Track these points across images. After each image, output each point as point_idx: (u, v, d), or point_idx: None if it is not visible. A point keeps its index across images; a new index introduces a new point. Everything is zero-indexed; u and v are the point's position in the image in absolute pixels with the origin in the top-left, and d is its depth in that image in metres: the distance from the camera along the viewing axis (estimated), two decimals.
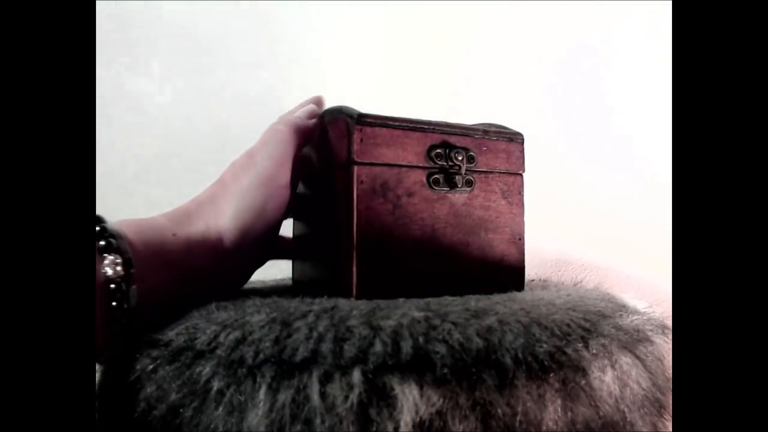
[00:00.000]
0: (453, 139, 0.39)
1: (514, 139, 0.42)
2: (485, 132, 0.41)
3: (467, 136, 0.40)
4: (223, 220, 0.37)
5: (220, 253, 0.36)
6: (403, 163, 0.38)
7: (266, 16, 0.83)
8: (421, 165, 0.38)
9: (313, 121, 0.41)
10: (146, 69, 0.77)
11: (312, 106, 0.42)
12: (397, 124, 0.37)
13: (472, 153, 0.40)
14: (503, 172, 0.42)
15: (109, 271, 0.30)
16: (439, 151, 0.39)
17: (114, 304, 0.30)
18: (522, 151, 0.42)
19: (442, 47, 0.92)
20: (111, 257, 0.30)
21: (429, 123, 0.39)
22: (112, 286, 0.30)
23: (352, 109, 0.37)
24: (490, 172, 0.41)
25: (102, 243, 0.31)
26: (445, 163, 0.39)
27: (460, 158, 0.39)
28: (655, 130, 0.98)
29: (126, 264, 0.31)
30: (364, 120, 0.36)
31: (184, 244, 0.35)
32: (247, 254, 0.38)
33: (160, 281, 0.33)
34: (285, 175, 0.38)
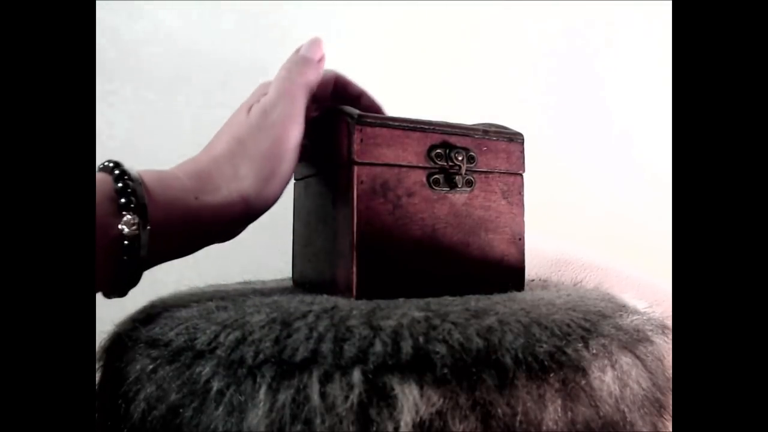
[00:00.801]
0: (453, 139, 0.39)
1: (514, 139, 0.42)
2: (485, 132, 0.41)
3: (467, 136, 0.40)
4: (245, 185, 0.36)
5: (240, 218, 0.37)
6: (404, 164, 0.38)
7: (266, 16, 0.83)
8: (421, 165, 0.38)
9: (322, 59, 0.40)
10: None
11: (317, 39, 0.41)
12: (397, 124, 0.37)
13: (472, 153, 0.40)
14: (503, 172, 0.42)
15: (125, 229, 0.31)
16: (439, 151, 0.39)
17: (125, 258, 0.31)
18: (522, 151, 0.42)
19: (442, 47, 0.92)
20: (129, 217, 0.31)
21: (429, 123, 0.39)
22: (126, 242, 0.31)
23: (352, 109, 0.37)
24: (490, 172, 0.41)
25: (123, 200, 0.31)
26: (445, 163, 0.39)
27: (460, 158, 0.39)
28: (655, 130, 0.98)
29: (143, 224, 0.31)
30: (364, 120, 0.36)
31: (206, 210, 0.35)
32: (260, 215, 0.38)
33: (175, 241, 0.35)
34: (298, 135, 0.38)
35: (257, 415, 0.25)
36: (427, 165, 0.38)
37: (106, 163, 0.33)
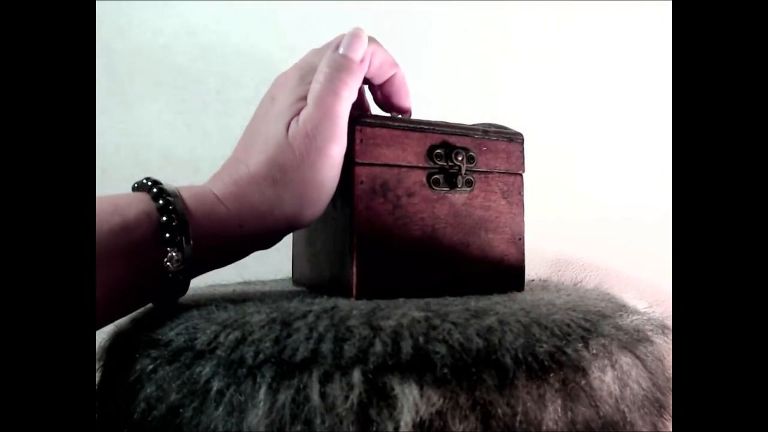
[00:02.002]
0: (453, 140, 0.39)
1: (514, 139, 0.42)
2: (485, 132, 0.41)
3: (467, 136, 0.40)
4: (291, 211, 0.34)
5: (283, 235, 0.36)
6: (404, 164, 0.38)
7: (267, 15, 0.83)
8: (421, 165, 0.38)
9: (365, 59, 0.36)
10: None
11: (357, 32, 0.36)
12: (396, 124, 0.37)
13: (472, 153, 0.40)
14: (503, 172, 0.42)
15: (170, 266, 0.31)
16: (439, 151, 0.39)
17: (167, 285, 0.32)
18: (522, 151, 0.42)
19: (441, 47, 0.92)
20: (174, 254, 0.31)
21: (429, 123, 0.39)
22: (170, 275, 0.31)
23: (352, 110, 0.37)
24: (490, 172, 0.41)
25: (167, 235, 0.31)
26: (445, 164, 0.39)
27: (460, 158, 0.39)
28: (655, 130, 0.98)
29: (186, 256, 0.31)
30: (363, 120, 0.36)
31: (251, 237, 0.34)
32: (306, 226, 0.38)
33: (215, 260, 0.35)
34: (341, 154, 0.35)
35: (257, 415, 0.25)
36: (427, 165, 0.38)
37: (144, 181, 0.33)
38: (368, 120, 0.37)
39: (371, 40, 0.38)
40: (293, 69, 0.37)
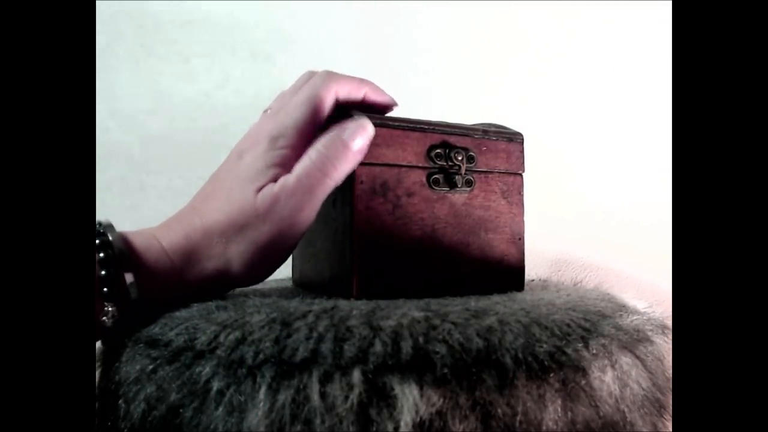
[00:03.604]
0: (453, 139, 0.39)
1: (514, 139, 0.42)
2: (485, 132, 0.41)
3: (467, 136, 0.40)
4: (232, 267, 0.34)
5: (222, 289, 0.36)
6: (403, 163, 0.38)
7: (267, 15, 0.83)
8: (421, 165, 0.38)
9: (362, 151, 0.35)
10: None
11: (363, 125, 0.35)
12: (396, 124, 0.37)
13: (472, 153, 0.40)
14: (503, 172, 0.42)
15: (106, 321, 0.31)
16: (438, 151, 0.39)
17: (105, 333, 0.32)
18: (522, 151, 0.42)
19: (441, 47, 0.92)
20: (109, 309, 0.31)
21: (429, 123, 0.39)
22: (106, 329, 0.31)
23: (352, 110, 0.37)
24: (490, 172, 0.41)
25: (105, 289, 0.31)
26: (444, 163, 0.39)
27: (459, 158, 0.39)
28: (655, 130, 0.98)
29: (119, 317, 0.31)
30: None
31: (187, 285, 0.34)
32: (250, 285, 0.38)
33: (156, 303, 0.34)
34: (306, 226, 0.35)
35: (257, 415, 0.25)
36: (426, 165, 0.38)
37: (97, 227, 0.33)
38: (371, 117, 0.37)
39: (332, 77, 0.37)
40: (264, 125, 0.37)
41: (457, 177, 0.39)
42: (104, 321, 0.31)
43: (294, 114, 0.35)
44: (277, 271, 0.55)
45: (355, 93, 0.38)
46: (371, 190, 0.36)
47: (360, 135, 0.35)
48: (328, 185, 0.34)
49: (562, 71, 0.98)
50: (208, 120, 0.79)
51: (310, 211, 0.34)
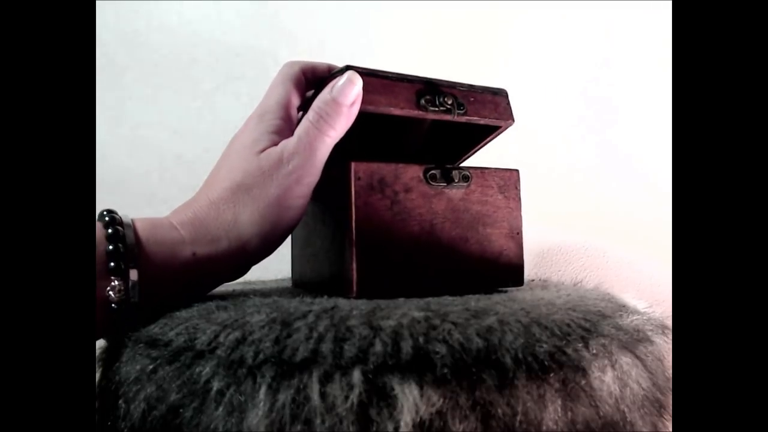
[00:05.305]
0: (440, 88, 0.40)
1: (499, 92, 0.43)
2: (471, 86, 0.42)
3: (453, 87, 0.41)
4: (247, 232, 0.35)
5: (242, 265, 0.36)
6: (399, 164, 0.38)
7: (273, 15, 0.83)
8: (413, 116, 0.38)
9: (355, 103, 0.36)
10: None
11: (351, 78, 0.36)
12: (385, 73, 0.38)
13: (460, 101, 0.40)
14: (499, 168, 0.42)
15: (112, 295, 0.31)
16: (428, 96, 0.39)
17: (114, 314, 0.31)
18: (509, 103, 0.43)
19: (441, 47, 0.92)
20: (116, 283, 0.31)
21: (415, 75, 0.40)
22: (113, 305, 0.31)
23: (344, 68, 0.38)
24: (487, 169, 0.41)
25: (112, 264, 0.31)
26: (436, 109, 0.39)
27: (450, 102, 0.39)
28: (654, 126, 0.98)
29: (133, 284, 0.31)
30: (356, 67, 0.37)
31: (204, 264, 0.34)
32: (262, 259, 0.38)
33: (172, 291, 0.34)
34: (311, 184, 0.36)
35: (257, 415, 0.25)
36: (419, 114, 0.39)
37: (102, 212, 0.33)
38: (358, 69, 0.37)
39: (295, 60, 0.40)
40: (250, 117, 0.39)
41: (453, 172, 0.39)
42: (110, 295, 0.31)
43: (273, 94, 0.39)
44: (277, 271, 0.55)
45: (320, 66, 0.41)
46: (369, 186, 0.36)
47: (348, 89, 0.36)
48: (327, 142, 0.36)
49: (562, 69, 0.98)
50: None
51: (312, 168, 0.36)
